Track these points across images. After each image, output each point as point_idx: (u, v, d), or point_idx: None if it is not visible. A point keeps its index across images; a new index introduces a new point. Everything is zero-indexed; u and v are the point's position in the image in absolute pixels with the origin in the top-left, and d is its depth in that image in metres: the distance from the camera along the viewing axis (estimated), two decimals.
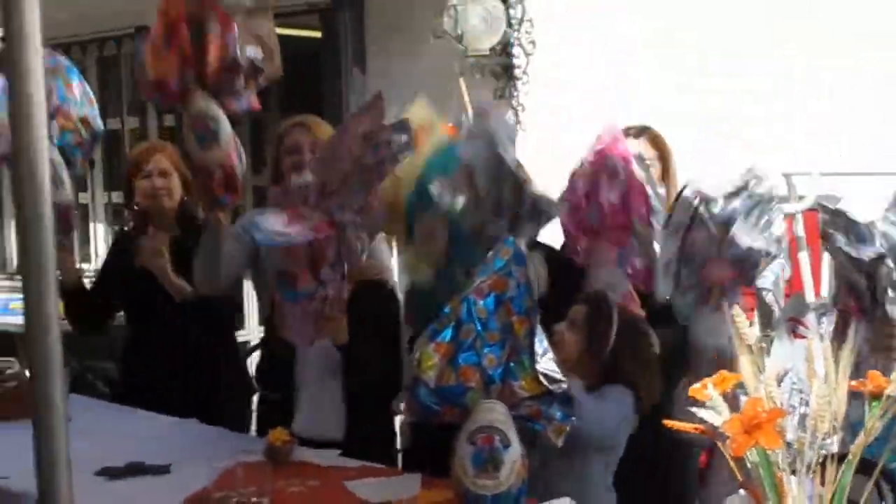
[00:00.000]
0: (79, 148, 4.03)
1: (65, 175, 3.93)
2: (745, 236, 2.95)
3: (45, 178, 2.07)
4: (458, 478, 2.58)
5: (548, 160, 4.80)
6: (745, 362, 1.92)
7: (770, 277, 2.78)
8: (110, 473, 3.11)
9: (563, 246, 3.55)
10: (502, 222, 3.22)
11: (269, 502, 2.85)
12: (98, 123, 4.08)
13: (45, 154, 2.05)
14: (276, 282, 3.35)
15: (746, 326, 1.92)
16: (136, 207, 4.18)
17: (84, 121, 4.00)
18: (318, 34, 6.49)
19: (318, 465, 3.20)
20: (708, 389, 1.93)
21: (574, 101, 3.55)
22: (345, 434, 3.48)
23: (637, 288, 3.33)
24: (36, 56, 2.02)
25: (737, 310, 1.94)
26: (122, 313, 4.30)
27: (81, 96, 4.03)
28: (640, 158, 3.40)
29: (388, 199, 3.32)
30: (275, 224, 3.17)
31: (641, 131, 3.68)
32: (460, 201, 3.17)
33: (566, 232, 3.48)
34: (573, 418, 2.65)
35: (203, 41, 3.27)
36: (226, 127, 3.36)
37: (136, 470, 3.15)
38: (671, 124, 4.05)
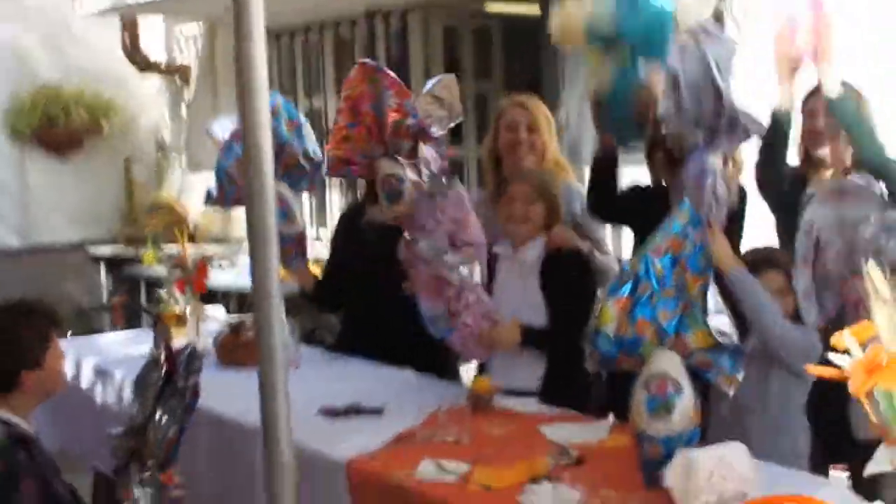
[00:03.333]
0: (304, 178, 4.34)
1: (296, 209, 4.29)
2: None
3: (268, 154, 2.44)
4: (634, 421, 2.80)
5: None
6: (879, 315, 2.07)
7: None
8: (330, 413, 3.48)
9: None
10: (699, 132, 3.38)
11: (469, 441, 3.15)
12: (318, 153, 4.34)
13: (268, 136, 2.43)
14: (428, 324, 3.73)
15: (881, 280, 2.07)
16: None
17: (305, 154, 4.29)
18: (538, 11, 6.73)
19: (516, 411, 3.47)
20: (846, 337, 2.10)
21: None
22: (540, 387, 3.72)
23: None
24: (264, 106, 2.40)
25: (871, 265, 2.09)
26: None
27: (298, 131, 4.31)
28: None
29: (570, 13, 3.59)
30: None
31: None
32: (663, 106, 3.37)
33: None
34: (741, 372, 2.84)
35: (383, 113, 3.68)
36: (408, 185, 3.69)
37: (353, 410, 3.50)
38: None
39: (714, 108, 3.32)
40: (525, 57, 7.63)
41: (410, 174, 3.70)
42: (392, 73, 3.78)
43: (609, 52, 3.54)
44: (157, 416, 2.71)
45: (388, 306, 4.16)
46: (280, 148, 4.15)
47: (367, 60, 3.85)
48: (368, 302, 4.33)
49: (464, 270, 3.60)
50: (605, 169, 3.90)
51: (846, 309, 3.11)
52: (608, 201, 3.97)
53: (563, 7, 3.60)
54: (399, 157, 3.67)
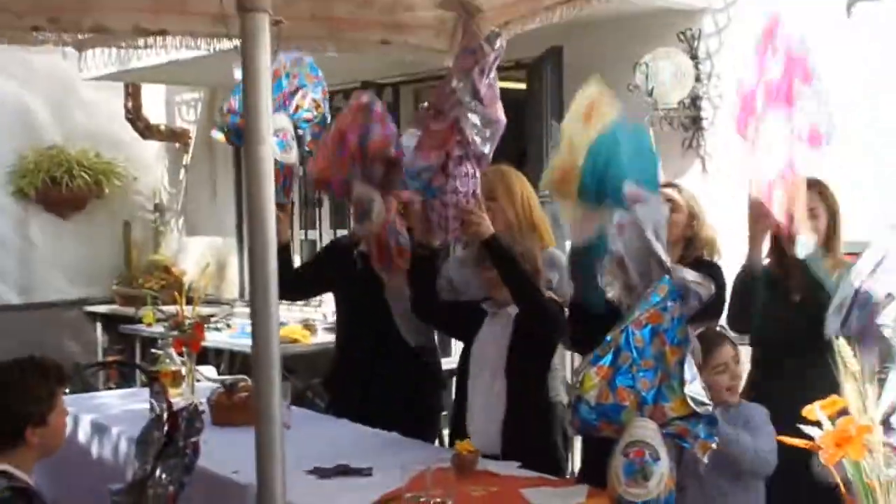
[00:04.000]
0: (308, 123, 4.62)
1: (293, 141, 4.54)
2: None
3: (271, 217, 2.57)
4: (612, 486, 2.93)
5: (731, 205, 5.04)
6: (849, 389, 2.20)
7: (892, 314, 3.02)
8: (320, 473, 3.57)
9: None
10: None
11: (454, 502, 3.26)
12: (326, 108, 4.72)
13: (272, 189, 2.56)
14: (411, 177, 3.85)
15: (850, 356, 2.20)
16: None
17: (315, 103, 4.65)
18: (523, 86, 6.93)
19: (498, 474, 3.56)
20: (816, 411, 2.23)
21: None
22: (503, 447, 3.81)
23: None
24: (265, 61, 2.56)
25: (842, 341, 2.22)
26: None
27: (316, 84, 4.70)
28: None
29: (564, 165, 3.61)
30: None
31: (812, 184, 3.81)
32: (615, 287, 3.40)
33: None
34: (716, 438, 2.97)
35: (367, 143, 3.97)
36: (379, 207, 3.98)
37: (342, 471, 3.60)
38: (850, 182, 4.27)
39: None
40: (511, 129, 7.77)
41: (381, 198, 3.96)
42: (382, 109, 4.07)
43: (596, 210, 3.48)
44: (158, 474, 2.81)
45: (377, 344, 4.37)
46: (297, 88, 4.59)
47: (365, 98, 4.08)
48: (358, 336, 4.50)
49: (477, 140, 3.71)
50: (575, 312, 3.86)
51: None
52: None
53: (559, 159, 3.66)
54: (372, 181, 3.93)
